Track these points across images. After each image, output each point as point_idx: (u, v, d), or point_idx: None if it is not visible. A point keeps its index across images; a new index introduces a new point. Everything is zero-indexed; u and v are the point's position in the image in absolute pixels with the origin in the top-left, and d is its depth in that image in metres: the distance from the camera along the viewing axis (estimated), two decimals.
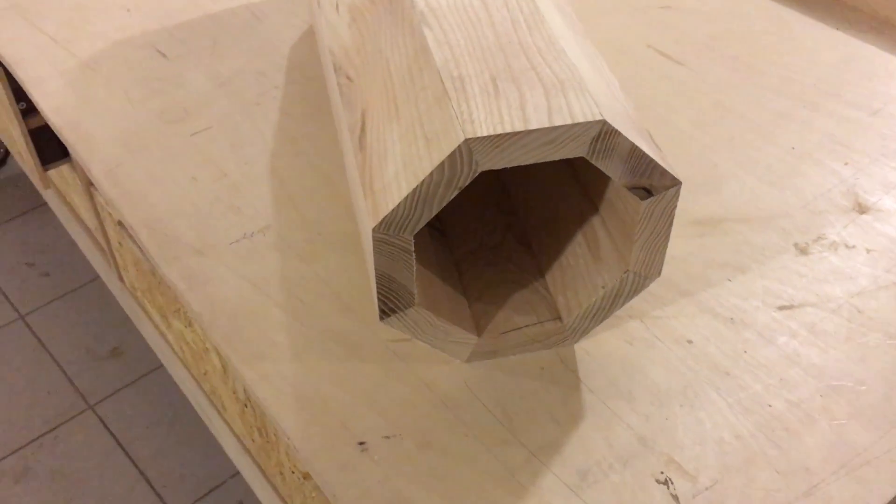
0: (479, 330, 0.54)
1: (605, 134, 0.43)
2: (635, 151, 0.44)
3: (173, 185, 0.67)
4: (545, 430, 0.51)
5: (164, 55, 0.79)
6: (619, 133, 0.43)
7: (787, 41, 0.83)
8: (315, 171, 0.68)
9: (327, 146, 0.70)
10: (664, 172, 0.46)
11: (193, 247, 0.62)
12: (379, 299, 0.48)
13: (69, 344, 1.55)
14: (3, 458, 1.38)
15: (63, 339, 1.56)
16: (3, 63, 0.80)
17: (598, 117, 0.43)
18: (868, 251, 0.62)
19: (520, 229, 0.61)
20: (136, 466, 1.39)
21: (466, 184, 0.44)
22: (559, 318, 0.54)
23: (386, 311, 0.49)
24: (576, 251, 0.56)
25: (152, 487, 1.36)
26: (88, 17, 0.84)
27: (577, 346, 0.56)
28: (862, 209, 0.65)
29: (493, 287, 0.57)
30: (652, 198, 0.46)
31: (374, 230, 0.45)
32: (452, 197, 0.44)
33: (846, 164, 0.69)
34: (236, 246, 0.62)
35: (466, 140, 0.42)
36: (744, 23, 0.85)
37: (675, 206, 0.48)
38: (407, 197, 0.43)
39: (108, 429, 1.45)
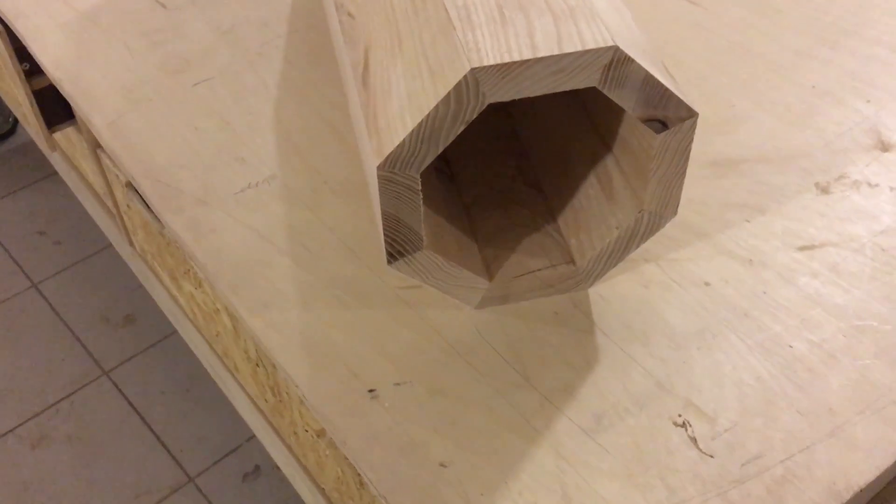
0: (489, 275, 0.52)
1: (617, 61, 0.41)
2: (649, 80, 0.42)
3: (176, 136, 0.65)
4: (559, 375, 0.50)
5: (163, 5, 0.77)
6: (633, 60, 0.42)
7: None
8: (320, 119, 0.66)
9: (332, 94, 0.68)
10: (680, 102, 0.44)
11: (197, 197, 0.60)
12: (386, 242, 0.47)
13: (83, 311, 1.55)
14: (21, 425, 1.39)
15: (77, 306, 1.56)
16: (2, 18, 0.78)
17: (610, 43, 0.41)
18: (892, 189, 0.60)
19: (530, 172, 0.60)
20: (152, 431, 1.39)
21: (473, 117, 0.42)
22: (572, 261, 0.53)
23: (393, 255, 0.48)
24: (588, 192, 0.54)
25: (169, 452, 1.36)
26: None
27: (591, 290, 0.54)
28: (885, 147, 0.63)
29: (504, 231, 0.55)
30: (667, 130, 0.45)
31: (378, 168, 0.43)
32: (459, 131, 0.42)
33: (868, 101, 0.67)
34: (241, 196, 0.61)
35: (472, 70, 0.40)
36: None
37: (692, 140, 0.46)
38: (412, 132, 0.42)
39: (123, 395, 1.45)
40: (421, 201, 0.45)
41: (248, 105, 0.68)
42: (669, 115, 0.44)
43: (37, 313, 1.55)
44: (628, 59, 0.41)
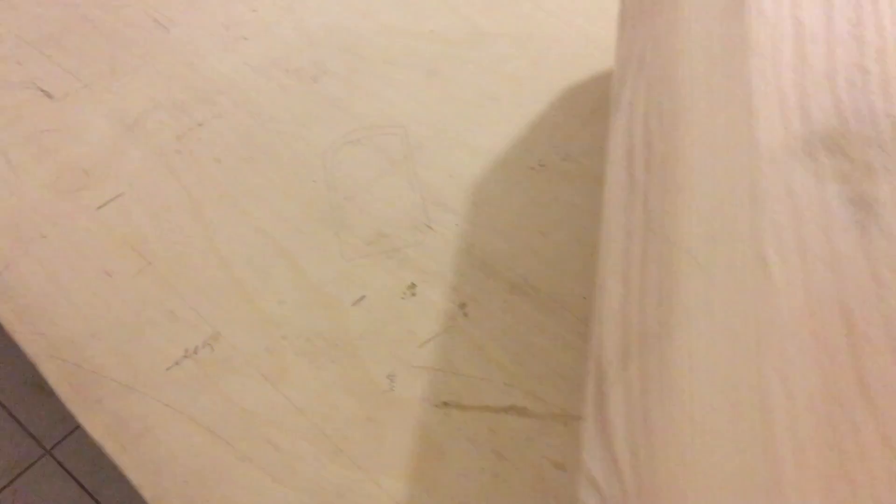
0: None
1: None
2: None
3: (82, 287, 0.51)
4: None
5: (49, 95, 0.62)
6: None
7: None
8: (267, 241, 0.52)
9: (279, 201, 0.54)
10: None
11: (119, 380, 0.46)
12: None
13: (12, 378, 1.39)
14: None
15: (4, 372, 1.40)
16: None
17: None
18: None
19: None
20: None
21: None
22: None
23: None
24: None
25: None
26: None
27: None
28: None
29: None
30: None
31: None
32: None
33: None
34: (176, 371, 0.47)
35: None
36: None
37: None
38: None
39: (70, 475, 1.31)
40: None
41: (171, 230, 0.53)
42: None
43: None
44: None
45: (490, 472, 0.42)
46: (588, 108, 0.59)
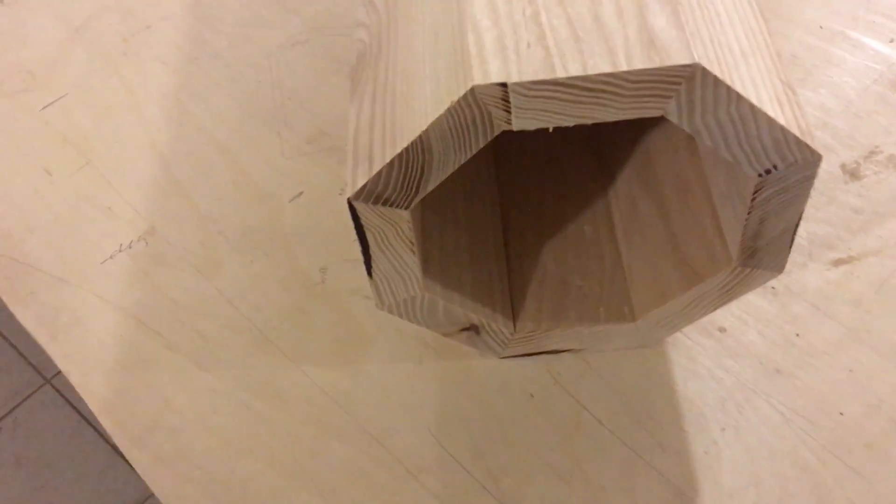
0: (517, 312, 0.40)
1: (699, 81, 0.26)
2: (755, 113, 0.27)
3: (21, 184, 0.50)
4: (546, 490, 0.38)
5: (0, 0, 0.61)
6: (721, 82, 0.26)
7: None
8: (208, 140, 0.52)
9: (222, 101, 0.54)
10: (799, 142, 0.28)
11: (53, 273, 0.46)
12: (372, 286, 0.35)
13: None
14: None
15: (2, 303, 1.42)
16: None
17: (690, 59, 0.26)
18: None
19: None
20: (107, 442, 1.28)
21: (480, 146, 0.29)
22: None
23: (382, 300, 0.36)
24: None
25: (128, 463, 1.25)
26: None
27: (575, 358, 0.42)
28: None
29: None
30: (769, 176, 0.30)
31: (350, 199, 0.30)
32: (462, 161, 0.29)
33: (892, 41, 0.53)
34: (110, 265, 0.47)
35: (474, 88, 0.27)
36: None
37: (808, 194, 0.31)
38: (392, 162, 0.29)
39: (70, 403, 1.33)
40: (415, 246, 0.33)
41: (113, 129, 0.53)
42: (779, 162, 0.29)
43: None
44: (715, 81, 0.26)
45: (416, 360, 0.42)
46: None
